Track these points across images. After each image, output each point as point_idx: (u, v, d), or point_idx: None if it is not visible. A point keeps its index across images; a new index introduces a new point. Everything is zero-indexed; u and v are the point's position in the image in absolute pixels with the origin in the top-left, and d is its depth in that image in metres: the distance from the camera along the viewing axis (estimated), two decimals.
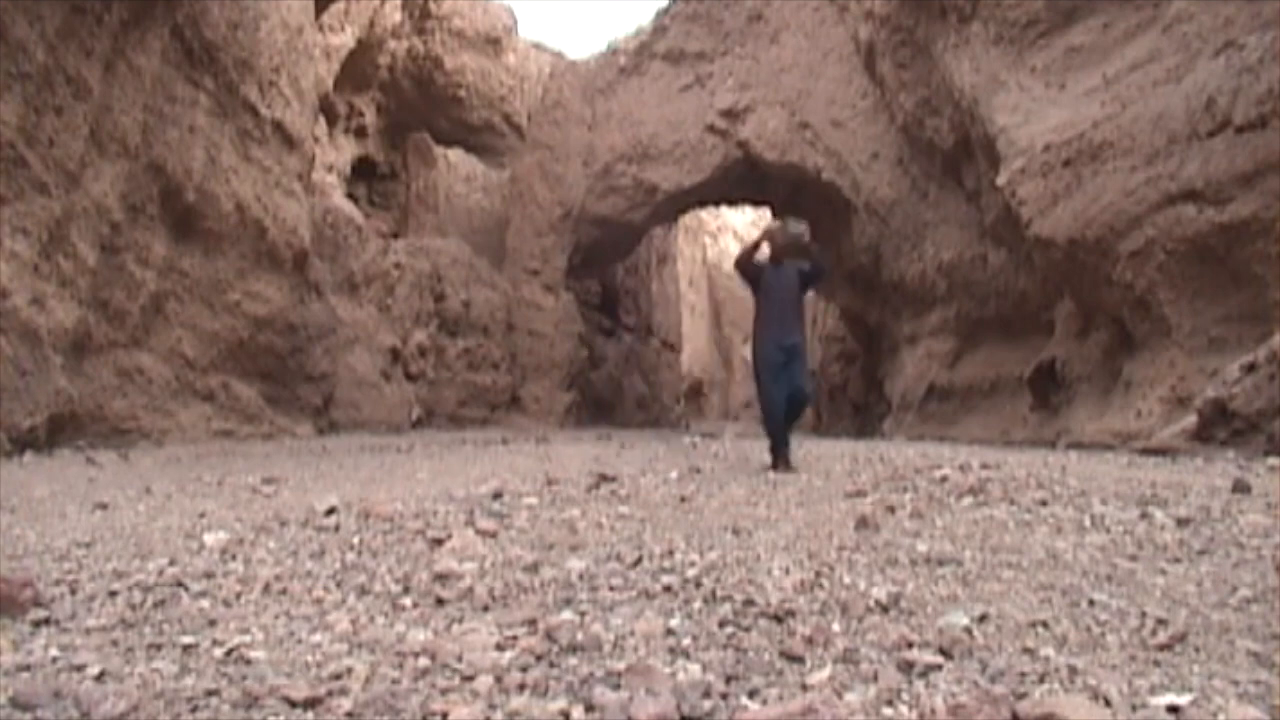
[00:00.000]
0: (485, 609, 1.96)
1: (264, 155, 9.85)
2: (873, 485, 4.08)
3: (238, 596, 2.11)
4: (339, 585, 2.21)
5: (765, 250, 6.03)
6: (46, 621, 1.90)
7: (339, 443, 9.75)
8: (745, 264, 6.06)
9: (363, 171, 19.11)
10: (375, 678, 1.51)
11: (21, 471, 5.40)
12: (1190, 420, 6.05)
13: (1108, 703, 1.35)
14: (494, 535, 2.82)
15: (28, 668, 1.60)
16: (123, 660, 1.65)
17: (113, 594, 2.12)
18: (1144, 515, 3.01)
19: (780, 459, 5.66)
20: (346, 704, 1.38)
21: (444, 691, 1.44)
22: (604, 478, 4.39)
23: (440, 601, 2.04)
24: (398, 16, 18.18)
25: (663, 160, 15.71)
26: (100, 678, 1.55)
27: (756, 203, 17.90)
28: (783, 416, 5.75)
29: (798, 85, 14.40)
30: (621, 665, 1.52)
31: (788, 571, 2.19)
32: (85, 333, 7.24)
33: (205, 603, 2.06)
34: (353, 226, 13.61)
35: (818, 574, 2.16)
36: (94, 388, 7.49)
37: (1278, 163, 6.30)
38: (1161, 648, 1.64)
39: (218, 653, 1.67)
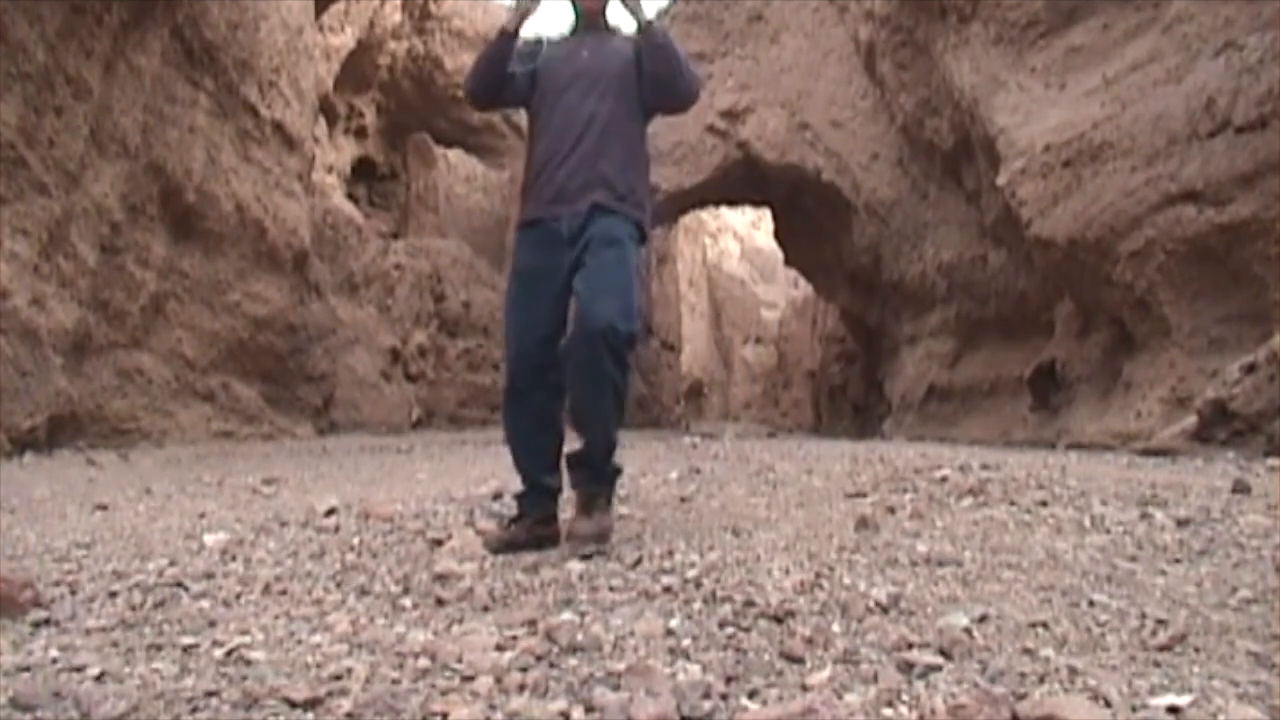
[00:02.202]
0: (485, 609, 1.96)
1: (264, 155, 9.85)
2: (873, 486, 4.08)
3: (238, 597, 2.12)
4: (339, 586, 2.21)
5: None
6: (46, 622, 1.90)
7: (339, 443, 9.76)
8: (494, 61, 2.77)
9: (363, 172, 19.11)
10: (375, 678, 1.51)
11: (21, 471, 5.39)
12: (1190, 421, 6.05)
13: (1108, 703, 1.35)
14: None
15: (28, 668, 1.60)
16: (123, 661, 1.65)
17: (113, 594, 2.12)
18: (1144, 516, 3.01)
19: (538, 508, 2.70)
20: (346, 704, 1.38)
21: (444, 692, 1.44)
22: None
23: (440, 602, 2.04)
24: (398, 17, 18.18)
25: (662, 161, 15.70)
26: (100, 678, 1.55)
27: (756, 203, 17.91)
28: (539, 397, 2.66)
29: (798, 86, 14.40)
30: (621, 666, 1.53)
31: (788, 572, 2.19)
32: (85, 333, 7.24)
33: (205, 603, 2.06)
34: (353, 227, 13.62)
35: (818, 574, 2.16)
36: (94, 388, 7.49)
37: (1278, 163, 6.30)
38: (1161, 648, 1.64)
39: (218, 653, 1.67)
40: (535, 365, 2.66)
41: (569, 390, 2.61)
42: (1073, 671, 1.48)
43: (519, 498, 2.78)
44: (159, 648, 1.73)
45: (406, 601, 2.05)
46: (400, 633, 1.78)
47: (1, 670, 1.58)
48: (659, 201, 16.12)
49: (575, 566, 2.33)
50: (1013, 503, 3.37)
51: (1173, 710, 1.32)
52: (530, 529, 2.65)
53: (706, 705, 1.34)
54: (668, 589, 2.05)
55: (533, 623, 1.80)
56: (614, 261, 2.59)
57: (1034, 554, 2.47)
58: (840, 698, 1.39)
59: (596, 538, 2.51)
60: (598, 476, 2.65)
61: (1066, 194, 8.20)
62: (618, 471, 2.73)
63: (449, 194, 18.69)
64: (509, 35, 2.77)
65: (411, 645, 1.68)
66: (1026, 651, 1.60)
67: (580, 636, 1.69)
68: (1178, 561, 2.39)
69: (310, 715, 1.37)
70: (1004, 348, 11.18)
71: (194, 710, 1.40)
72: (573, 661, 1.58)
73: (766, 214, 20.16)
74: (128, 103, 7.38)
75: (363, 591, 2.15)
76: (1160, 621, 1.80)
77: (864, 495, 3.77)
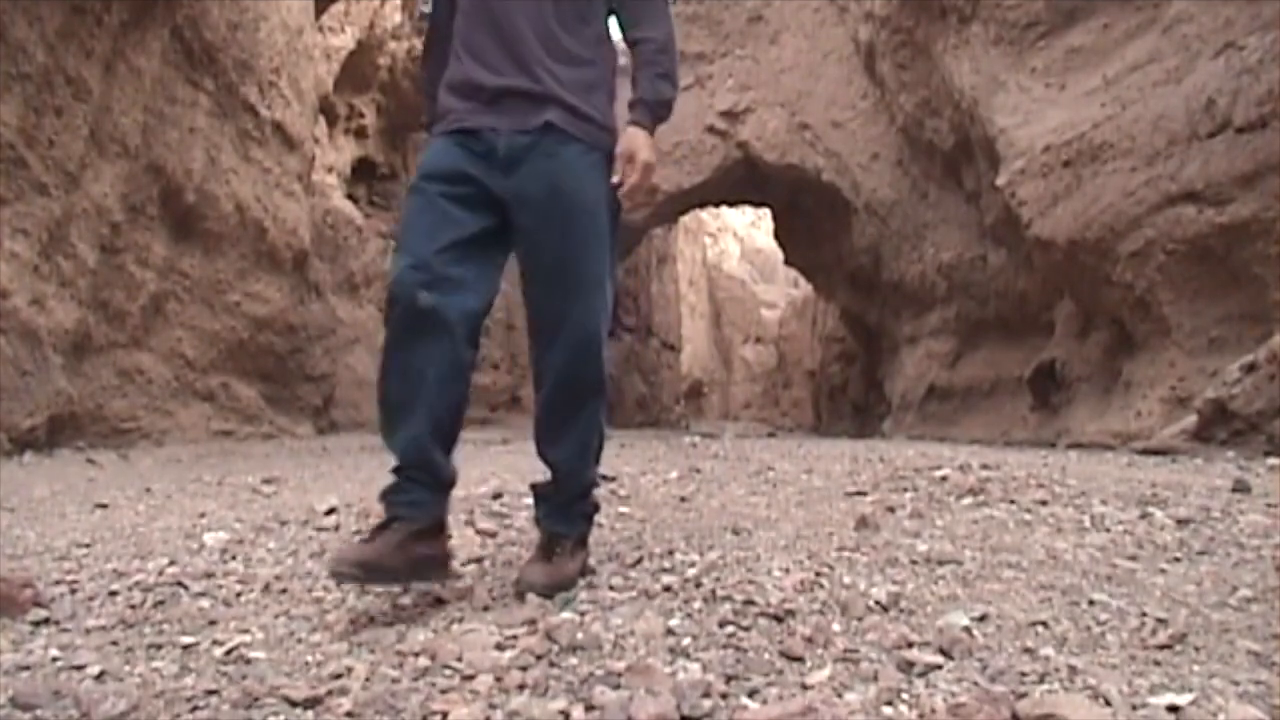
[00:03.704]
0: (485, 608, 1.96)
1: (264, 156, 9.85)
2: (872, 485, 4.08)
3: (238, 596, 2.12)
4: (339, 585, 2.21)
5: None
6: (46, 621, 1.90)
7: (339, 443, 9.75)
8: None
9: (363, 172, 19.10)
10: (375, 677, 1.51)
11: (21, 471, 5.40)
12: (1190, 420, 6.05)
13: (1108, 702, 1.35)
14: (494, 535, 2.81)
15: (28, 667, 1.60)
16: (123, 660, 1.65)
17: (113, 594, 2.12)
18: (1144, 515, 3.01)
19: (418, 509, 1.89)
20: (346, 704, 1.38)
21: (444, 691, 1.44)
22: (604, 477, 4.38)
23: (440, 601, 2.04)
24: (397, 17, 18.18)
25: (662, 161, 15.65)
26: (100, 678, 1.55)
27: (756, 203, 17.90)
28: (441, 330, 1.86)
29: (798, 86, 14.40)
30: (621, 665, 1.53)
31: (788, 571, 2.19)
32: (85, 333, 7.24)
33: (205, 602, 2.06)
34: (353, 227, 13.62)
35: (818, 574, 2.16)
36: (94, 388, 7.48)
37: (1278, 163, 6.30)
38: (1161, 648, 1.64)
39: (218, 652, 1.67)
40: (438, 278, 1.85)
41: (541, 400, 2.09)
42: (1073, 670, 1.48)
43: (388, 493, 1.91)
44: (159, 647, 1.73)
45: (406, 600, 2.05)
46: (400, 631, 1.79)
47: (1, 669, 1.58)
48: (659, 202, 16.12)
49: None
50: (1013, 502, 3.37)
51: (1173, 709, 1.33)
52: (404, 546, 1.82)
53: (706, 704, 1.34)
54: (668, 588, 2.05)
55: (533, 622, 1.80)
56: (580, 245, 1.99)
57: (1034, 553, 2.47)
58: (840, 697, 1.39)
59: (548, 589, 1.96)
60: (564, 515, 2.13)
61: (1066, 194, 8.21)
62: (594, 509, 2.25)
63: None
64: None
65: (411, 644, 1.68)
66: (1026, 650, 1.60)
67: (580, 635, 1.69)
68: (1178, 561, 2.39)
69: (310, 714, 1.37)
70: (1004, 348, 11.18)
71: (194, 709, 1.40)
72: (573, 660, 1.58)
73: (766, 214, 20.16)
74: (128, 103, 7.38)
75: (363, 590, 2.15)
76: (1160, 621, 1.80)
77: (864, 494, 3.77)
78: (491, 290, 1.98)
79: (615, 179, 2.02)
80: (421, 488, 1.90)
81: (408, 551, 1.84)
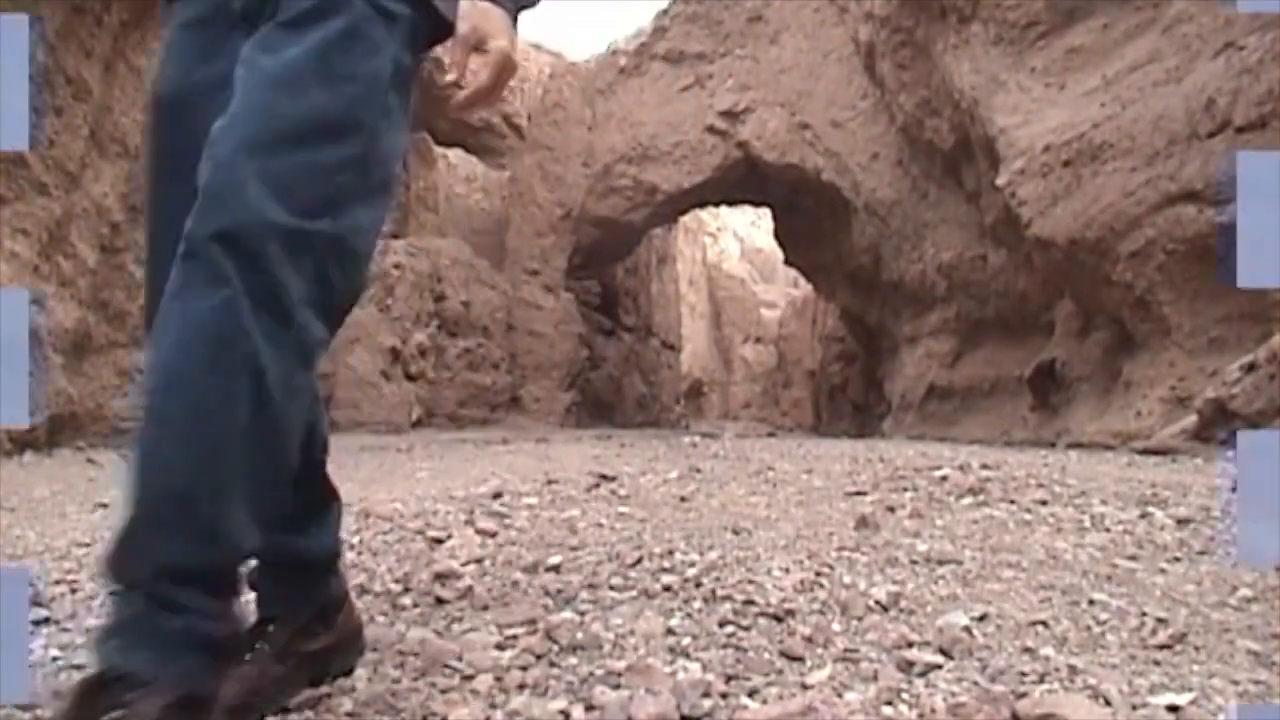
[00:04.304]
0: (485, 608, 1.96)
1: None
2: (872, 485, 4.08)
3: None
4: None
5: None
6: (46, 621, 1.90)
7: (339, 442, 9.72)
8: None
9: None
10: (375, 677, 1.51)
11: (21, 471, 5.40)
12: (1190, 420, 6.06)
13: (1108, 702, 1.35)
14: (494, 535, 2.81)
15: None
16: None
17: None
18: (1144, 515, 3.01)
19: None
20: (347, 704, 1.38)
21: (444, 691, 1.44)
22: (604, 477, 4.38)
23: (440, 601, 2.04)
24: None
25: (662, 161, 15.72)
26: None
27: (756, 203, 17.91)
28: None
29: (798, 86, 14.40)
30: (621, 665, 1.53)
31: (788, 571, 2.19)
32: (85, 333, 7.24)
33: None
34: None
35: (818, 573, 2.16)
36: (94, 388, 7.49)
37: None
38: (1161, 647, 1.64)
39: None
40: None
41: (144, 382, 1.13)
42: (1073, 670, 1.48)
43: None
44: None
45: (406, 600, 2.05)
46: (400, 631, 1.78)
47: None
48: (659, 202, 16.12)
49: (577, 573, 2.32)
50: (1012, 502, 3.37)
51: (1172, 709, 1.33)
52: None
53: (706, 704, 1.34)
54: (668, 588, 2.05)
55: (533, 621, 1.80)
56: (287, 64, 1.18)
57: (1034, 553, 2.47)
58: (840, 696, 1.39)
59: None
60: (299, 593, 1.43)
61: (1066, 194, 8.21)
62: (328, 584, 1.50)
63: (449, 194, 18.69)
64: None
65: (411, 644, 1.67)
66: (1026, 650, 1.60)
67: (580, 635, 1.69)
68: (1178, 560, 2.39)
69: (310, 714, 1.37)
70: (1004, 348, 11.18)
71: None
72: (573, 660, 1.58)
73: (766, 214, 20.16)
74: (128, 103, 7.38)
75: (363, 590, 2.15)
76: (1160, 620, 1.80)
77: (864, 494, 3.77)
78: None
79: (450, 76, 1.38)
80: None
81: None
